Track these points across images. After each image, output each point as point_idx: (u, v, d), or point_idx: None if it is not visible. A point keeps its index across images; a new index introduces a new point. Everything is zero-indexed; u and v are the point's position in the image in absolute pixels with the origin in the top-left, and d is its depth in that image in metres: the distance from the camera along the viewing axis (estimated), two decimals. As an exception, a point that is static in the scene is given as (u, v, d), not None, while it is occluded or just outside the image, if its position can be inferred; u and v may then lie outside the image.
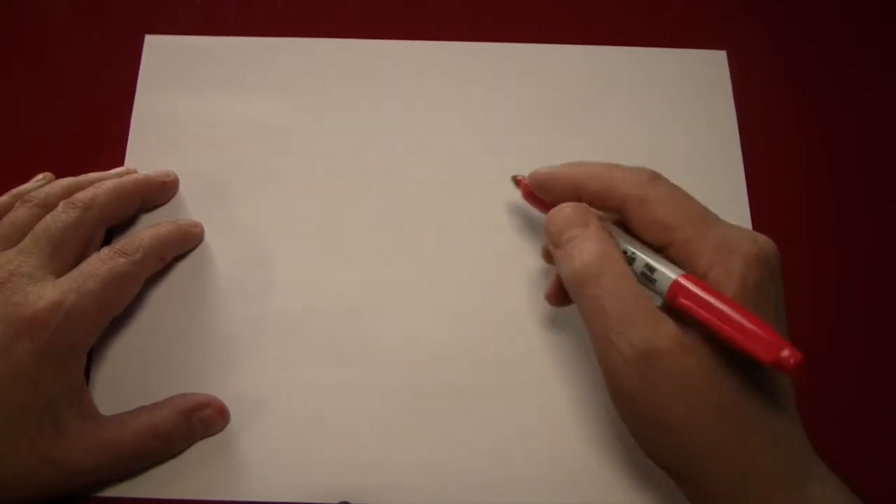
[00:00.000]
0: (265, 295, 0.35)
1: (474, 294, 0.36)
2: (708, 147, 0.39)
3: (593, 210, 0.30)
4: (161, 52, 0.40)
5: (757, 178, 0.38)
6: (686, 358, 0.25)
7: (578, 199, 0.30)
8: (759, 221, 0.37)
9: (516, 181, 0.34)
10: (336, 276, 0.36)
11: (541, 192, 0.31)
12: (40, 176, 0.36)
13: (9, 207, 0.33)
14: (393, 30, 0.41)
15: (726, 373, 0.26)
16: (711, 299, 0.25)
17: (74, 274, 0.30)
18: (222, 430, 0.33)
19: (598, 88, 0.40)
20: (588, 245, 0.28)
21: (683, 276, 0.27)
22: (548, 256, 0.33)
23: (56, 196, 0.33)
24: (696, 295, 0.26)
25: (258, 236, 0.37)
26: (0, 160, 0.38)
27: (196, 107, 0.39)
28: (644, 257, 0.28)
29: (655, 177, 0.29)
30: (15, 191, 0.35)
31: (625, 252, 0.28)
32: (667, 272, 0.27)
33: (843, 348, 0.36)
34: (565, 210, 0.29)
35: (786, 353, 0.23)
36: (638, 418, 0.27)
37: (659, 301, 0.28)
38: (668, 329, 0.26)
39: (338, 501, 0.32)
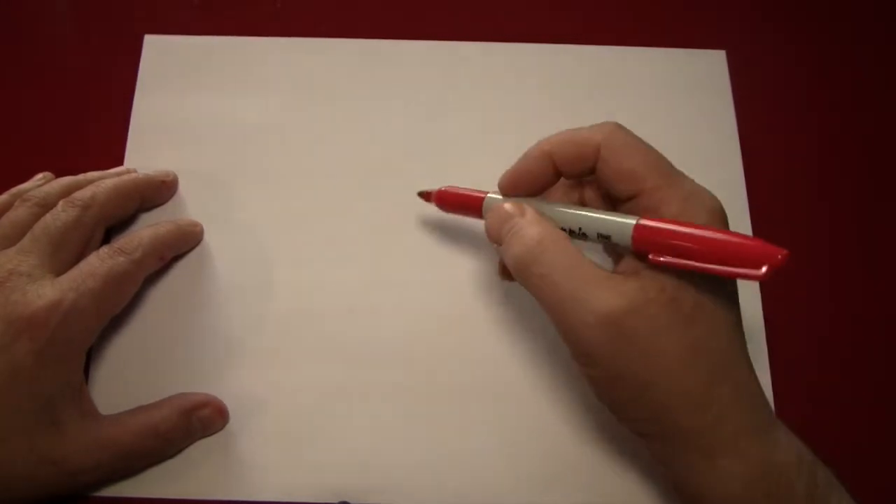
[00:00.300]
0: (265, 295, 0.35)
1: (474, 294, 0.36)
2: (707, 147, 0.39)
3: (528, 201, 0.30)
4: (161, 52, 0.40)
5: (757, 178, 0.38)
6: (649, 312, 0.26)
7: (554, 175, 0.30)
8: (758, 221, 0.37)
9: (424, 196, 0.35)
10: (335, 276, 0.36)
11: (517, 190, 0.31)
12: (40, 175, 0.36)
13: (8, 206, 0.33)
14: (393, 30, 0.41)
15: (689, 323, 0.26)
16: (680, 228, 0.26)
17: (73, 273, 0.30)
18: (222, 429, 0.33)
19: (598, 88, 0.40)
20: (527, 230, 0.28)
21: (639, 222, 0.27)
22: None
23: (55, 195, 0.33)
24: (665, 229, 0.26)
25: (258, 236, 0.37)
26: (0, 160, 0.38)
27: (196, 107, 0.39)
28: (595, 220, 0.28)
29: (620, 126, 0.29)
30: (14, 190, 0.35)
31: (574, 230, 0.29)
32: (626, 220, 0.27)
33: (842, 348, 0.36)
34: (501, 207, 0.30)
35: (780, 256, 0.24)
36: (608, 381, 0.27)
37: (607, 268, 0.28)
38: (624, 288, 0.26)
39: (337, 501, 0.32)
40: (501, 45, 0.41)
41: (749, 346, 0.34)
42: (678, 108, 0.39)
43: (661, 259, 0.25)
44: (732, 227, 0.36)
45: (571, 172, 0.30)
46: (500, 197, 0.32)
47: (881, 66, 0.41)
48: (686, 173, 0.28)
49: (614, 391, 0.27)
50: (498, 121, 0.39)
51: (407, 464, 0.33)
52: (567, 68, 0.40)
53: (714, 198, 0.28)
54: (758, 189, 0.38)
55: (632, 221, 0.27)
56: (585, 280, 0.26)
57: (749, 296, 0.36)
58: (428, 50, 0.41)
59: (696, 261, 0.25)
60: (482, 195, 0.32)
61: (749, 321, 0.35)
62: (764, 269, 0.23)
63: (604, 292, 0.26)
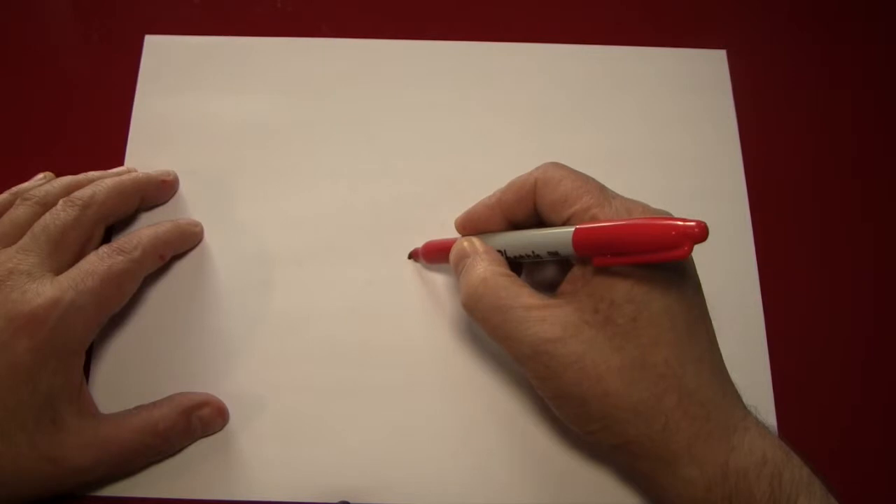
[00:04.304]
0: (265, 295, 0.35)
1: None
2: (707, 147, 0.39)
3: (481, 242, 0.31)
4: (161, 52, 0.40)
5: (757, 178, 0.38)
6: (583, 336, 0.27)
7: (502, 218, 0.31)
8: (758, 221, 0.37)
9: (413, 255, 0.36)
10: (336, 276, 0.36)
11: (469, 229, 0.32)
12: (40, 175, 0.36)
13: (9, 205, 0.33)
14: (393, 30, 0.41)
15: (625, 340, 0.27)
16: (610, 223, 0.27)
17: (73, 272, 0.30)
18: (221, 429, 0.33)
19: (598, 88, 0.40)
20: (473, 271, 0.29)
21: (577, 227, 0.27)
22: None
23: (55, 194, 0.33)
24: (596, 228, 0.27)
25: (258, 236, 0.37)
26: (0, 160, 0.38)
27: (196, 107, 0.39)
28: (540, 238, 0.29)
29: (556, 163, 0.30)
30: (15, 189, 0.35)
31: (529, 254, 0.30)
32: (566, 230, 0.28)
33: (843, 349, 0.36)
34: (460, 244, 0.31)
35: (693, 227, 0.24)
36: (556, 399, 0.29)
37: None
38: (558, 316, 0.27)
39: (337, 501, 0.32)
40: (501, 45, 0.41)
41: (749, 346, 0.35)
42: (678, 108, 0.40)
43: (603, 261, 0.26)
44: (733, 228, 0.37)
45: (518, 219, 0.31)
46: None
47: (882, 65, 0.41)
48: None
49: (563, 408, 0.29)
50: (497, 121, 0.39)
51: (407, 464, 0.33)
52: (567, 68, 0.40)
53: (648, 208, 0.28)
54: (758, 189, 0.38)
55: (570, 229, 0.28)
56: (520, 317, 0.28)
57: (750, 296, 0.36)
58: (428, 50, 0.41)
59: (631, 254, 0.25)
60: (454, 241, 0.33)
61: (749, 321, 0.35)
62: (685, 246, 0.24)
63: (537, 325, 0.27)
